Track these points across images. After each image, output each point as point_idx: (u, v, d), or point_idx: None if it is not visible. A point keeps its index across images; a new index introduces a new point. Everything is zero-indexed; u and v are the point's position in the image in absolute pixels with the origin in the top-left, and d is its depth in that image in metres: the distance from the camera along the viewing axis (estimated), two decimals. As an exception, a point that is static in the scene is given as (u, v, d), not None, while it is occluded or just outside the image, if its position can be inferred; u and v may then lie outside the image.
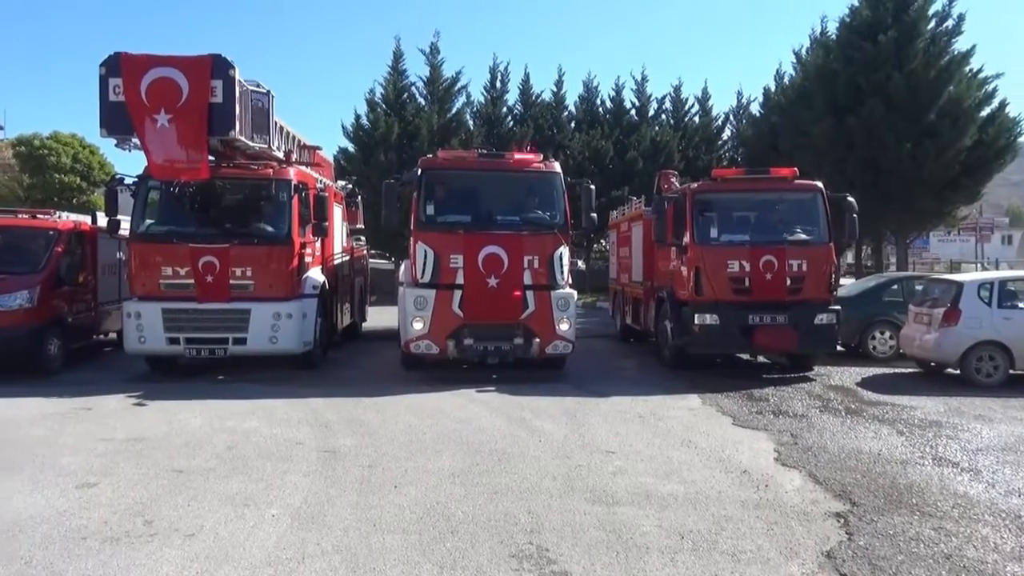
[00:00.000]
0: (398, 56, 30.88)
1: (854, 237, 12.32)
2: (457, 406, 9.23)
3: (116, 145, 11.12)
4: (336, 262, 14.11)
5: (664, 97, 34.66)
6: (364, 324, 17.16)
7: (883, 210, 22.18)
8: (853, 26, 23.60)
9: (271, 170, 11.61)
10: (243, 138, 10.95)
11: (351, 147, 30.19)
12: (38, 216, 13.30)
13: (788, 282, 11.13)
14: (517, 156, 11.87)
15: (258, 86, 11.41)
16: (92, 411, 8.84)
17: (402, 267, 12.60)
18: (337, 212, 14.39)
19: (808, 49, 29.32)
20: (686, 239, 11.65)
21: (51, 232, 12.18)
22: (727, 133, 35.66)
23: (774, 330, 11.13)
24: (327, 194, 12.24)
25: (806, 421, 8.53)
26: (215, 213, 11.49)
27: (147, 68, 10.23)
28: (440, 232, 11.05)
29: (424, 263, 10.90)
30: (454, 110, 31.33)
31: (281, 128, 12.77)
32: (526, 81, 32.85)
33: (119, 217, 11.72)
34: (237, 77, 10.54)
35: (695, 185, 12.52)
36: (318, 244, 12.58)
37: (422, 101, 31.05)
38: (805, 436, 7.82)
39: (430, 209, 11.22)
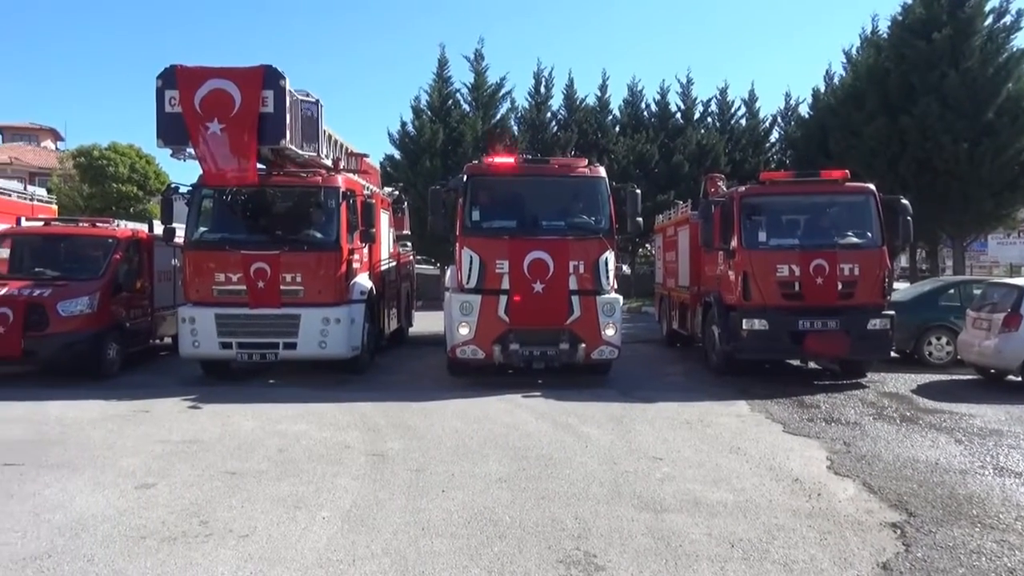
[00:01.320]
0: (443, 63, 31.25)
1: (908, 240, 12.01)
2: (503, 411, 9.26)
3: (171, 155, 11.43)
4: (383, 268, 14.28)
5: (710, 100, 34.42)
6: (410, 329, 17.33)
7: (939, 212, 21.55)
8: (906, 24, 23.01)
9: (320, 178, 11.81)
10: (293, 147, 11.15)
11: (397, 154, 30.60)
12: (97, 225, 13.77)
13: (839, 287, 10.90)
14: (561, 161, 11.89)
15: (307, 96, 11.62)
16: (149, 413, 9.09)
17: (448, 273, 12.69)
18: (384, 218, 14.57)
19: (859, 48, 28.73)
20: (733, 243, 11.50)
21: (110, 240, 12.59)
22: (775, 135, 35.13)
23: (825, 336, 10.90)
24: (374, 201, 12.40)
25: (859, 429, 8.34)
26: (266, 220, 11.74)
27: (202, 80, 10.50)
28: (485, 238, 11.11)
29: (470, 269, 10.97)
30: (498, 116, 31.51)
31: (329, 136, 12.99)
32: (570, 86, 32.90)
33: (174, 225, 12.05)
34: (287, 87, 10.76)
35: (742, 188, 12.36)
36: (365, 250, 12.75)
37: (467, 107, 31.30)
38: (858, 444, 7.64)
39: (475, 215, 11.29)
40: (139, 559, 4.74)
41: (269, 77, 10.62)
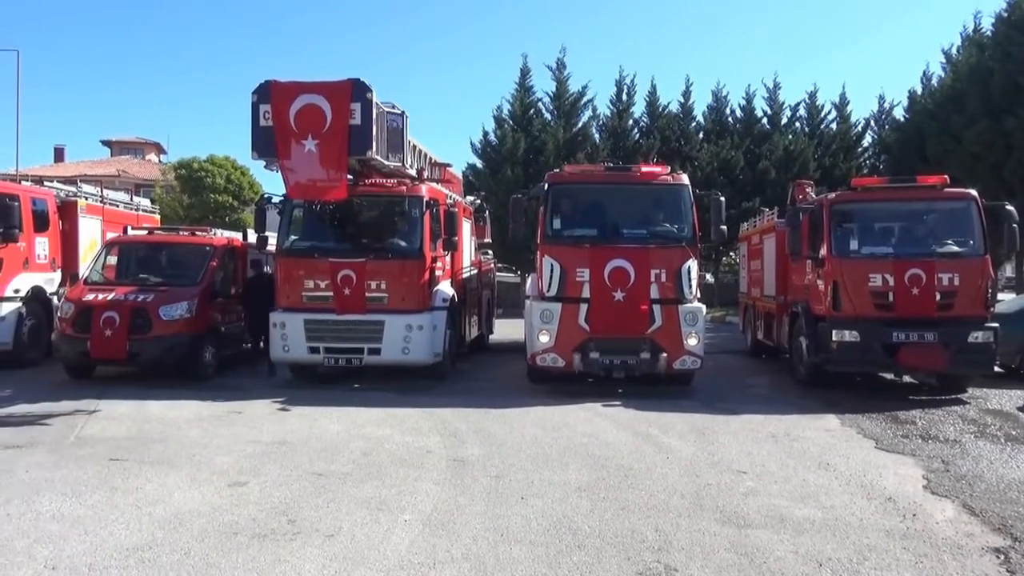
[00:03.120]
0: (525, 73, 31.49)
1: (1014, 249, 11.34)
2: (583, 420, 9.21)
3: (265, 167, 11.93)
4: (465, 276, 14.46)
5: (798, 104, 33.36)
6: (491, 336, 17.47)
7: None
8: (1012, 21, 21.81)
9: (404, 187, 12.08)
10: (379, 157, 11.44)
11: (479, 163, 30.97)
12: (196, 233, 14.49)
13: (937, 297, 10.37)
14: (644, 169, 11.76)
15: (393, 107, 11.90)
16: (242, 415, 9.46)
17: (528, 280, 12.74)
18: (466, 227, 14.76)
19: (959, 48, 27.44)
20: (823, 251, 11.13)
21: (207, 248, 13.21)
22: (867, 140, 33.71)
23: (922, 348, 10.38)
24: (456, 209, 12.59)
25: (959, 447, 7.91)
26: (352, 229, 12.08)
27: (295, 95, 10.90)
28: (567, 246, 11.10)
29: (551, 277, 10.98)
30: (580, 124, 31.49)
31: (414, 147, 13.26)
32: (652, 92, 32.52)
33: (266, 233, 12.53)
34: (374, 100, 11.05)
35: (833, 195, 11.94)
36: (448, 258, 12.94)
37: (548, 116, 31.41)
38: (958, 463, 7.25)
39: (557, 223, 11.30)
40: (231, 554, 4.93)
41: (357, 90, 10.93)
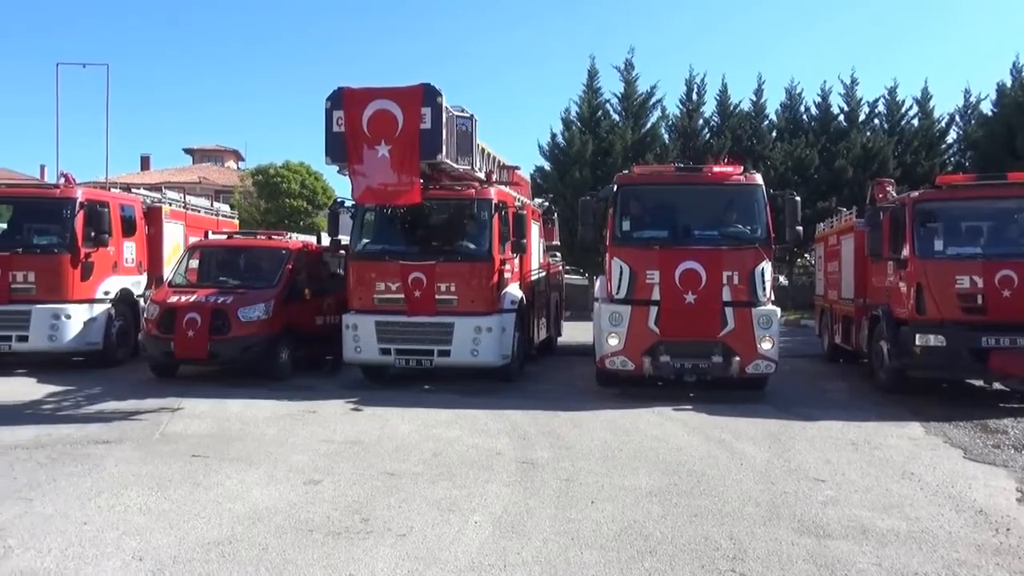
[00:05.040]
0: (593, 74, 31.28)
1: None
2: (653, 424, 9.08)
3: (338, 171, 12.16)
4: (533, 278, 14.45)
5: (877, 100, 32.01)
6: (559, 339, 17.43)
7: None
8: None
9: (473, 190, 12.15)
10: (449, 160, 11.54)
11: (547, 165, 30.92)
12: (273, 237, 14.89)
13: (1032, 300, 9.85)
14: (715, 169, 11.52)
15: (462, 111, 12.00)
16: (316, 414, 9.67)
17: (597, 283, 12.66)
18: (534, 229, 14.76)
19: (1052, 37, 25.95)
20: (906, 252, 10.65)
21: (283, 251, 13.54)
22: (952, 136, 32.12)
23: (1015, 354, 9.82)
24: (525, 212, 12.61)
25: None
26: (422, 232, 12.21)
27: (367, 101, 11.06)
28: (636, 248, 10.97)
29: (620, 279, 10.86)
30: (648, 125, 31.13)
31: (482, 150, 13.34)
32: (723, 91, 31.81)
33: (340, 237, 12.80)
34: (444, 104, 11.16)
35: (916, 194, 11.42)
36: (516, 261, 12.97)
37: (616, 117, 31.14)
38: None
39: (626, 225, 11.17)
40: (307, 550, 5.04)
41: (428, 95, 11.04)
